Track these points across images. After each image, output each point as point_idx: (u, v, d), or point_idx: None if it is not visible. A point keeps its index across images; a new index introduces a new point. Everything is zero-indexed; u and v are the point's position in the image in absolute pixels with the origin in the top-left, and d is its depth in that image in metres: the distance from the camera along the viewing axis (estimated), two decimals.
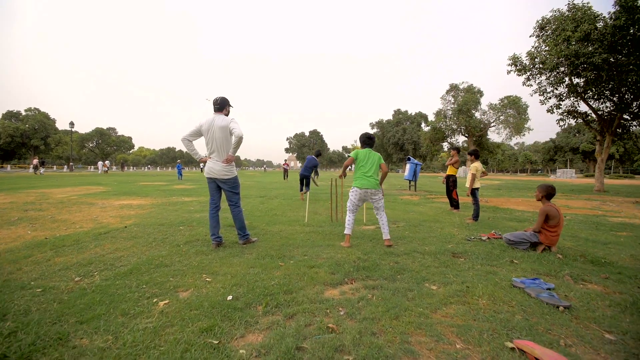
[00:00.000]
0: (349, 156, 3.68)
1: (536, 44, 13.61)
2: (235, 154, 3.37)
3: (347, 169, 4.07)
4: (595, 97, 13.49)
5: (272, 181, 19.26)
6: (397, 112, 75.90)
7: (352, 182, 3.71)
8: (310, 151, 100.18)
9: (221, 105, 3.41)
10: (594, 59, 11.32)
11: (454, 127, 46.77)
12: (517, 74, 14.22)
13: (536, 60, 13.25)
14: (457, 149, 6.64)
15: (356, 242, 3.69)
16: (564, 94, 13.44)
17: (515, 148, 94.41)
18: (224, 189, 3.47)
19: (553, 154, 74.52)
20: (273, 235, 4.05)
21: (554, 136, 77.89)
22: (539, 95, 13.96)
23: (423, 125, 70.58)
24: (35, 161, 28.50)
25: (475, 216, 5.16)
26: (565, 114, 14.47)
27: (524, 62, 14.00)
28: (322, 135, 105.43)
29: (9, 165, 49.23)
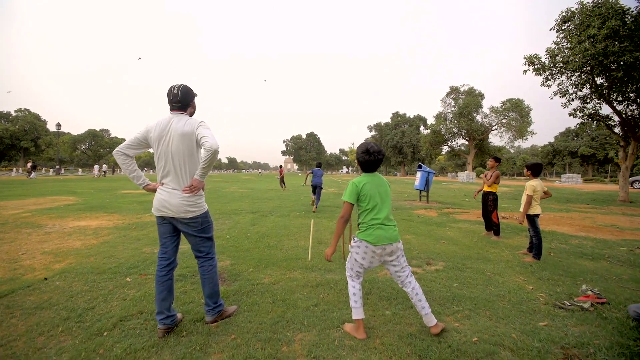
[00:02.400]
0: (345, 202, 2.10)
1: (557, 39, 12.42)
2: (205, 177, 2.06)
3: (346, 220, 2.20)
4: (619, 99, 12.35)
5: (268, 188, 17.88)
6: (396, 115, 74.93)
7: (357, 229, 2.19)
8: (308, 154, 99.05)
9: (183, 101, 2.08)
10: (625, 58, 10.16)
11: (455, 130, 45.73)
12: (534, 74, 13.01)
13: (557, 58, 12.05)
14: (498, 159, 5.36)
15: (370, 303, 2.37)
16: (589, 96, 12.24)
17: (512, 152, 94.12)
18: (187, 234, 2.14)
19: (552, 158, 73.95)
20: (262, 294, 2.71)
21: (552, 140, 77.45)
22: (560, 97, 12.76)
23: (422, 128, 69.64)
24: (29, 165, 27.40)
25: (537, 253, 3.85)
26: (585, 117, 13.28)
27: (543, 60, 12.81)
28: (319, 138, 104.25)
29: None
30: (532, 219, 3.92)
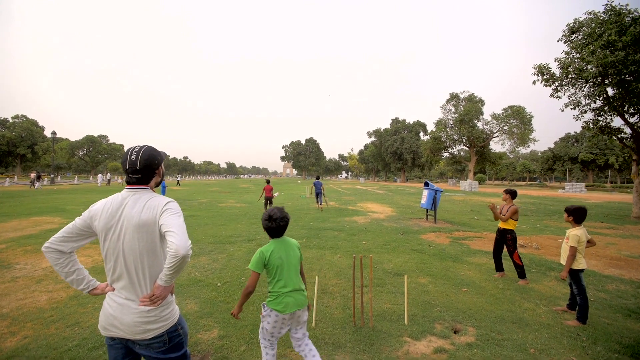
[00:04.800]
0: (252, 271, 2.07)
1: (567, 49, 11.96)
2: (172, 282, 1.46)
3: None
4: (631, 111, 11.86)
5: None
6: (395, 121, 74.65)
7: (269, 300, 2.13)
8: (307, 159, 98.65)
9: (144, 171, 1.51)
10: None
11: (455, 137, 45.31)
12: (544, 85, 12.53)
13: (569, 69, 11.57)
14: (513, 193, 4.77)
15: None
16: (602, 108, 11.74)
17: (511, 156, 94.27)
18: (148, 358, 1.54)
19: (552, 164, 73.60)
20: None
21: (551, 145, 77.18)
22: (572, 109, 12.26)
23: (421, 134, 69.27)
24: (33, 174, 27.03)
25: (582, 316, 3.25)
26: (596, 129, 12.78)
27: (553, 71, 12.33)
28: (318, 144, 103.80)
29: None
30: (576, 275, 3.33)
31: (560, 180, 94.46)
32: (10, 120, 66.30)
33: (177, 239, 1.32)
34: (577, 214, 3.40)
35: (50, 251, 1.40)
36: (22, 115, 67.57)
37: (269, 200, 11.67)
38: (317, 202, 13.70)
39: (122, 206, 1.45)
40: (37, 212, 11.02)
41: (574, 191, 31.72)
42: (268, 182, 12.09)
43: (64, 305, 3.56)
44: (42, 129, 69.14)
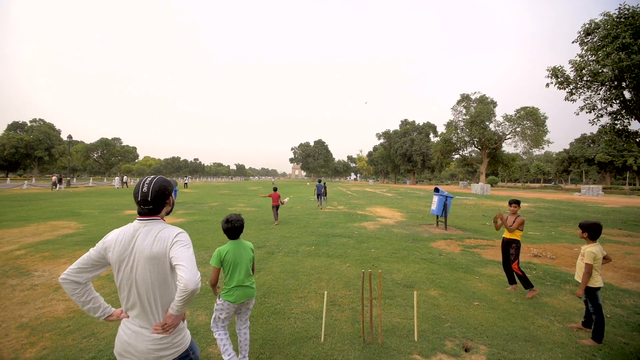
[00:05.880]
0: (213, 267, 2.55)
1: (582, 52, 11.69)
2: (183, 311, 1.51)
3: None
4: None
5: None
6: (405, 123, 74.09)
7: (224, 292, 2.58)
8: (316, 161, 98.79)
9: (155, 202, 1.56)
10: None
11: (467, 139, 44.68)
12: (558, 87, 12.26)
13: (584, 71, 11.29)
14: (518, 202, 4.69)
15: None
16: (619, 112, 11.41)
17: (525, 158, 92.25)
18: None
19: (567, 165, 71.72)
20: None
21: (566, 146, 75.28)
22: (587, 112, 11.96)
23: (432, 136, 68.56)
24: (54, 177, 27.89)
25: (598, 335, 3.16)
26: (613, 133, 12.42)
27: (567, 74, 12.06)
28: (327, 145, 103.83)
29: (8, 179, 48.15)
30: (593, 293, 3.25)
31: (576, 182, 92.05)
32: (29, 124, 68.56)
33: (187, 274, 1.36)
34: (592, 231, 3.32)
35: (67, 282, 1.45)
36: (40, 119, 69.76)
37: (276, 208, 11.02)
38: (318, 201, 16.43)
39: (134, 238, 1.50)
40: (54, 216, 11.36)
41: (591, 194, 30.84)
42: (275, 189, 11.45)
43: (80, 315, 3.66)
44: (59, 132, 71.19)
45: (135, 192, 1.55)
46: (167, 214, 1.68)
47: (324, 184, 18.30)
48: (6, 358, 2.81)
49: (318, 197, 16.36)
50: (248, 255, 2.63)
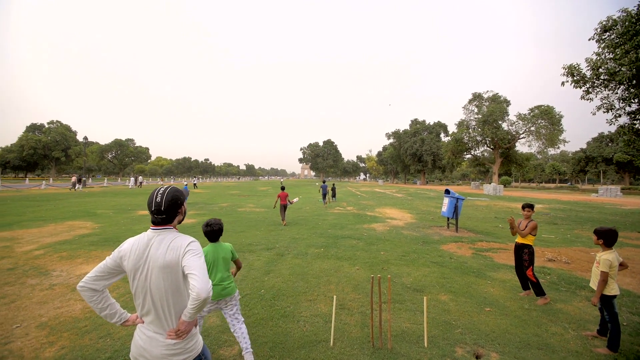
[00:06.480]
0: None
1: (599, 50, 11.35)
2: (195, 318, 1.56)
3: None
4: None
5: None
6: (415, 122, 73.41)
7: None
8: (325, 161, 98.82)
9: (168, 212, 1.60)
10: None
11: (479, 138, 43.99)
12: (574, 86, 11.95)
13: (601, 70, 10.97)
14: (532, 206, 4.58)
15: None
16: (639, 111, 11.04)
17: (539, 157, 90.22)
18: None
19: (584, 165, 69.68)
20: None
21: (583, 145, 73.21)
22: (604, 112, 11.61)
23: (442, 135, 67.72)
24: (74, 178, 28.79)
25: (613, 344, 3.08)
26: (631, 133, 12.02)
27: (583, 72, 11.74)
28: (336, 145, 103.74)
29: (27, 179, 49.79)
30: (608, 301, 3.16)
31: (593, 182, 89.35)
32: (46, 126, 70.74)
33: (199, 282, 1.42)
34: (608, 237, 3.23)
35: (84, 290, 1.51)
36: (57, 121, 71.89)
37: (284, 207, 10.93)
38: (324, 200, 18.52)
39: (148, 247, 1.56)
40: (71, 216, 11.71)
41: (609, 195, 29.91)
42: (283, 188, 11.40)
43: (96, 315, 3.77)
44: (75, 133, 73.20)
45: (149, 202, 1.60)
46: (179, 222, 1.72)
47: (333, 185, 21.79)
48: (27, 357, 2.92)
49: (324, 197, 18.45)
50: (227, 257, 2.86)
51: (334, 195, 21.01)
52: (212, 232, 2.83)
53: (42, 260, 5.99)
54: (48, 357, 2.93)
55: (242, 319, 2.88)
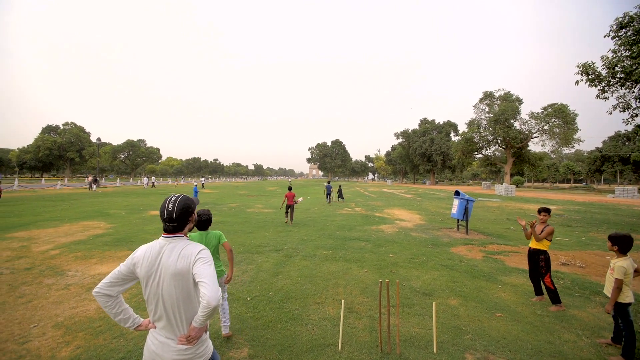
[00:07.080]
0: None
1: (615, 47, 11.04)
2: (206, 324, 1.59)
3: None
4: None
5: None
6: (424, 122, 72.73)
7: None
8: (333, 161, 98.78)
9: (179, 220, 1.64)
10: None
11: (490, 138, 43.27)
12: (589, 85, 11.66)
13: (617, 68, 10.67)
14: (548, 210, 4.48)
15: None
16: None
17: (553, 157, 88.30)
18: None
19: (600, 164, 67.78)
20: None
21: (599, 144, 71.26)
22: (620, 111, 11.29)
23: (452, 135, 66.86)
24: (90, 178, 29.76)
25: (628, 354, 3.00)
26: None
27: (599, 70, 11.44)
28: (344, 145, 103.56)
29: (43, 179, 51.22)
30: (623, 309, 3.08)
31: (609, 182, 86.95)
32: (61, 127, 72.63)
33: (209, 291, 1.45)
34: (622, 243, 3.14)
35: (100, 295, 1.56)
36: (72, 122, 73.72)
37: (290, 207, 11.06)
38: (328, 199, 19.79)
39: (160, 255, 1.60)
40: (85, 217, 12.00)
41: (626, 196, 29.04)
42: (290, 188, 11.54)
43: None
44: (89, 134, 74.97)
45: (162, 210, 1.64)
46: (190, 230, 1.76)
47: (339, 186, 23.15)
48: (44, 357, 3.01)
49: (328, 196, 19.76)
50: (215, 243, 3.27)
51: (341, 196, 21.24)
52: (201, 221, 3.21)
53: (58, 260, 6.17)
54: (64, 356, 3.01)
55: (226, 296, 3.40)
